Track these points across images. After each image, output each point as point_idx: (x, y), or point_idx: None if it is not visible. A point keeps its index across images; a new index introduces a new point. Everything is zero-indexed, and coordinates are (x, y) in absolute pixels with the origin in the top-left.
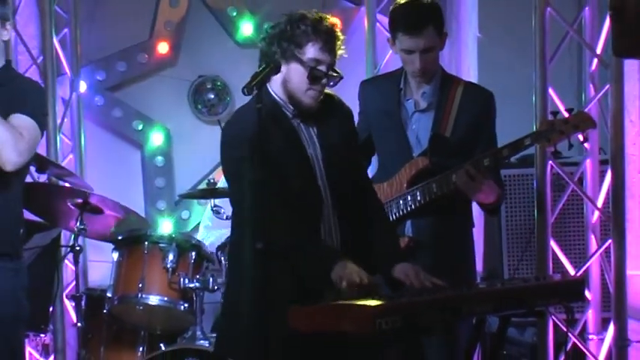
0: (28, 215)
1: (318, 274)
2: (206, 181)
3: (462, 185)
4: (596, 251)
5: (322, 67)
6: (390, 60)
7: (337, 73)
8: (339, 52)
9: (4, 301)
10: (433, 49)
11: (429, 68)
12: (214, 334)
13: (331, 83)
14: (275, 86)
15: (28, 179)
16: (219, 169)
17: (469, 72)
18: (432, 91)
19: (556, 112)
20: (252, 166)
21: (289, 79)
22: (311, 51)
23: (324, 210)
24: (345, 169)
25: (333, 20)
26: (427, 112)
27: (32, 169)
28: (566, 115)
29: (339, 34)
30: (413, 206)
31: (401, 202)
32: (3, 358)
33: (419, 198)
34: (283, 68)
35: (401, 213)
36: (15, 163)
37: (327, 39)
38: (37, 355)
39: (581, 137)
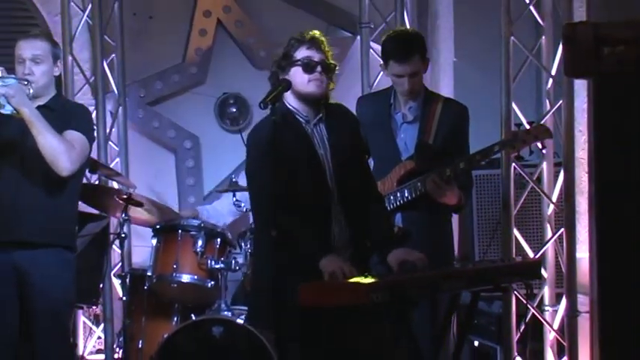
0: (83, 208)
1: (309, 264)
2: (229, 180)
3: (429, 191)
4: (551, 238)
5: (316, 61)
6: (381, 80)
7: (332, 63)
8: (328, 51)
9: (59, 288)
10: (418, 73)
11: (415, 88)
12: (236, 306)
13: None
14: (289, 98)
15: (84, 181)
16: (240, 170)
17: (446, 90)
18: (417, 105)
19: (519, 124)
20: (267, 167)
21: (294, 83)
22: (300, 53)
23: (333, 202)
24: (352, 166)
25: (315, 31)
26: (413, 124)
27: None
28: (528, 127)
29: (322, 37)
30: (402, 201)
31: (392, 197)
32: (55, 334)
33: (406, 194)
34: (287, 78)
35: (392, 206)
36: (69, 169)
37: (311, 41)
38: (90, 324)
39: (539, 145)
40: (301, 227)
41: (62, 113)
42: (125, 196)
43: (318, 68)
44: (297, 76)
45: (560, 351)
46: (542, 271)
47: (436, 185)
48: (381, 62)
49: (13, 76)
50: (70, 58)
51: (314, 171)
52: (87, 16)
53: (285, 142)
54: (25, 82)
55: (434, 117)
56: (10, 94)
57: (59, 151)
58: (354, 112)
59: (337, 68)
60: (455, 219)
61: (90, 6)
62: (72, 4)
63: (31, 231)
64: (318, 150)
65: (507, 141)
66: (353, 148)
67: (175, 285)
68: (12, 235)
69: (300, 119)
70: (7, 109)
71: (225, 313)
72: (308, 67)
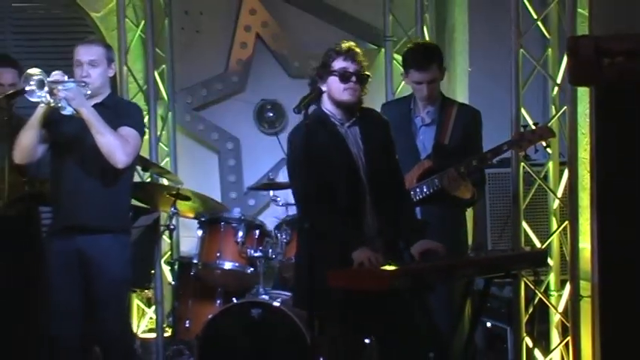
0: (136, 202)
1: (343, 251)
2: (266, 177)
3: (446, 186)
4: (556, 230)
5: (351, 71)
6: (403, 88)
7: (365, 74)
8: (363, 62)
9: (118, 267)
10: (436, 81)
11: (433, 94)
12: (273, 290)
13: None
14: (325, 103)
15: (137, 178)
16: (275, 169)
17: (462, 97)
18: (434, 110)
19: (525, 126)
20: (303, 166)
21: (330, 90)
22: (337, 63)
23: (365, 196)
24: (383, 164)
25: (351, 42)
26: (431, 126)
27: (139, 169)
28: (533, 127)
29: (357, 49)
30: (421, 196)
31: (412, 193)
32: (114, 307)
33: (425, 190)
34: (325, 87)
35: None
36: (124, 162)
37: (348, 52)
38: (143, 306)
39: (544, 144)
40: (337, 219)
41: (116, 110)
42: (174, 192)
43: (353, 78)
44: (334, 84)
45: (564, 331)
46: (548, 259)
47: (452, 180)
48: (402, 72)
49: (73, 79)
50: (125, 68)
51: (348, 168)
52: (140, 30)
53: (321, 142)
54: (83, 84)
55: (450, 120)
56: (71, 96)
57: (115, 146)
58: None
59: (370, 78)
60: (469, 212)
61: (143, 22)
62: (127, 20)
63: (91, 217)
64: (352, 149)
65: (515, 140)
66: (384, 147)
67: (219, 271)
68: (74, 220)
69: (335, 122)
70: (68, 111)
71: (263, 296)
72: (344, 77)
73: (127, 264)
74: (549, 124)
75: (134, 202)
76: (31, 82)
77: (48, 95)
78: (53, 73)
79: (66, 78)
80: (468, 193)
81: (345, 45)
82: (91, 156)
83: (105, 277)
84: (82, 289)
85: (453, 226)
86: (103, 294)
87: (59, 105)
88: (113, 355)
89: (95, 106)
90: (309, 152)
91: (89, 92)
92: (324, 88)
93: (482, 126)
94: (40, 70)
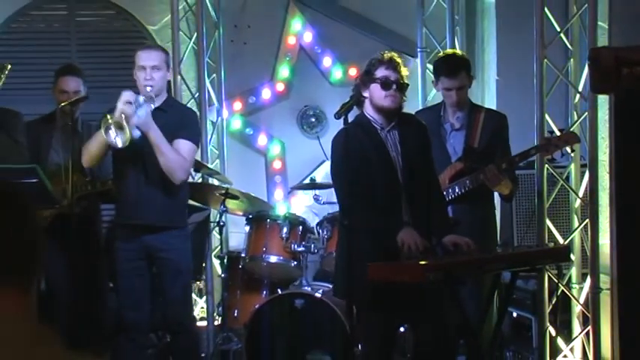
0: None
1: (384, 239)
2: (309, 178)
3: (487, 180)
4: (577, 227)
5: (392, 80)
6: (435, 95)
7: (405, 83)
8: (404, 72)
9: (183, 259)
10: (464, 87)
11: (461, 100)
12: (315, 282)
13: (402, 92)
14: (367, 109)
15: (189, 179)
16: (318, 169)
17: (490, 103)
18: (463, 115)
19: (552, 132)
20: (344, 168)
21: (372, 97)
22: (380, 71)
23: (403, 195)
24: (419, 166)
25: (393, 53)
26: (460, 131)
27: (191, 170)
28: (559, 134)
29: (398, 59)
30: (453, 196)
31: (444, 193)
32: (180, 291)
33: (457, 190)
34: (367, 94)
35: None
36: (182, 179)
37: (390, 62)
38: (195, 296)
39: (569, 149)
40: (377, 211)
41: (174, 115)
42: (223, 191)
43: (394, 86)
44: (376, 91)
45: (585, 321)
46: (570, 254)
47: (492, 177)
48: (433, 79)
49: (143, 98)
50: (179, 77)
51: (387, 169)
52: (193, 42)
53: (362, 145)
54: (152, 103)
55: (478, 125)
56: (141, 122)
57: (175, 167)
58: None
59: (409, 86)
60: (497, 211)
61: (195, 34)
62: (180, 33)
63: (155, 217)
64: (391, 152)
65: (542, 145)
66: (420, 150)
67: (265, 264)
68: (139, 220)
69: (376, 126)
70: (137, 134)
71: (306, 288)
72: (385, 85)
73: (188, 255)
74: (571, 129)
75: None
76: (110, 128)
77: (123, 137)
78: (124, 93)
79: (141, 99)
80: (507, 189)
81: (388, 55)
82: (152, 164)
83: (171, 269)
84: (148, 280)
85: (481, 224)
86: (171, 284)
87: (133, 136)
88: (181, 338)
89: (154, 110)
90: (350, 154)
91: (153, 107)
92: (366, 94)
93: (508, 129)
94: (117, 116)
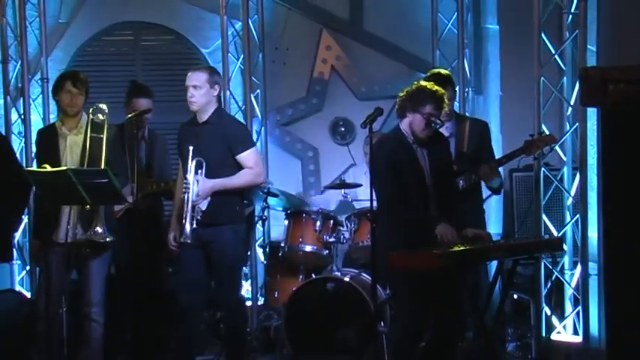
0: None
1: (426, 230)
2: (339, 179)
3: (482, 176)
4: (570, 221)
5: (434, 119)
6: None
7: (440, 121)
8: (446, 109)
9: (236, 250)
10: (450, 100)
11: (449, 111)
12: (344, 268)
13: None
14: (404, 125)
15: None
16: (347, 172)
17: (494, 116)
18: (451, 125)
19: (532, 135)
20: (385, 175)
21: (413, 123)
22: (428, 108)
23: (431, 200)
24: (444, 176)
25: (442, 90)
26: (450, 138)
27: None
28: (538, 135)
29: (445, 97)
30: None
31: None
32: (233, 279)
33: None
34: (410, 115)
35: None
36: (262, 180)
37: (439, 102)
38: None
39: (549, 148)
40: (415, 207)
41: (222, 127)
42: (265, 190)
43: (432, 125)
44: (418, 122)
45: (575, 303)
46: (563, 245)
47: (487, 173)
48: None
49: (197, 182)
50: (228, 92)
51: (418, 177)
52: (240, 63)
53: (398, 156)
54: (199, 171)
55: (465, 132)
56: (202, 195)
57: (251, 181)
58: None
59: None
60: (500, 207)
61: (242, 56)
62: (229, 54)
63: (211, 215)
64: (421, 163)
65: (525, 147)
66: (444, 164)
67: (301, 253)
68: (197, 215)
69: (410, 141)
70: (204, 205)
71: (336, 273)
72: (428, 122)
73: (239, 246)
74: (563, 138)
75: None
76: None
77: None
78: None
79: (201, 198)
80: (497, 183)
81: (439, 94)
82: (210, 167)
83: (226, 259)
84: (204, 267)
85: (473, 218)
86: (225, 272)
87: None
88: (233, 317)
89: (203, 124)
90: (391, 162)
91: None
92: (409, 116)
93: (490, 133)
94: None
